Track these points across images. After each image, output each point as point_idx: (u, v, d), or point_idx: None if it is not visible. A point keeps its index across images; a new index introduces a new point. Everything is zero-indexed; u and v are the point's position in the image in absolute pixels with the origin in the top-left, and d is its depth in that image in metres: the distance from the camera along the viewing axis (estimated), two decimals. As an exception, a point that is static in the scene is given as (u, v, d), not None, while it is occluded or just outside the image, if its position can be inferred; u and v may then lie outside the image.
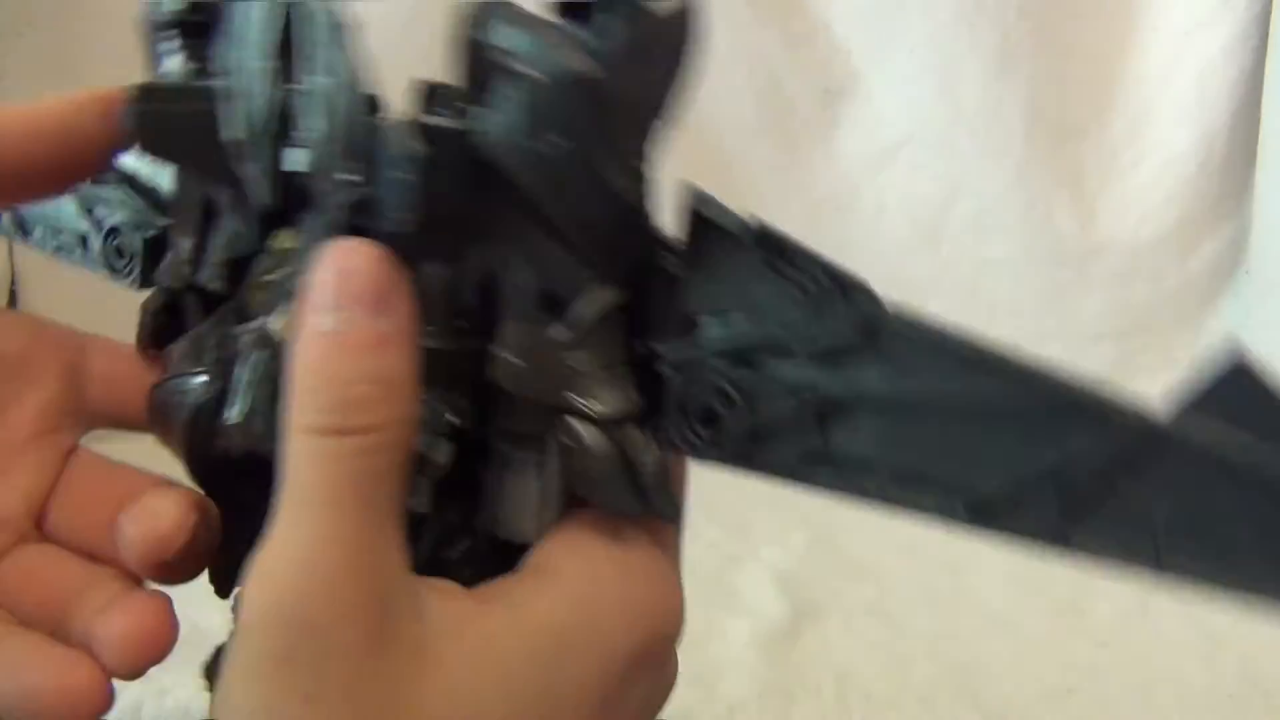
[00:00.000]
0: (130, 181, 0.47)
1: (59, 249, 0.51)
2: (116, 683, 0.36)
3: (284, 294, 0.34)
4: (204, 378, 0.36)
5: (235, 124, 0.35)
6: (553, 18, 0.31)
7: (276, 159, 0.35)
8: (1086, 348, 1.37)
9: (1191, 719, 0.79)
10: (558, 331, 0.31)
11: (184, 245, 0.41)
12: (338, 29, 0.32)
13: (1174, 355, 1.38)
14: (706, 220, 0.33)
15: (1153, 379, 1.38)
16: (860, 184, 1.34)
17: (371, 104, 0.34)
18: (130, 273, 0.47)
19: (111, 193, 0.47)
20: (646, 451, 0.32)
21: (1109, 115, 1.32)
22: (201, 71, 0.38)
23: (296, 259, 0.35)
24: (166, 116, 0.36)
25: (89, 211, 0.48)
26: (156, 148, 0.37)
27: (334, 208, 0.32)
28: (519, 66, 0.30)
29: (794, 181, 1.34)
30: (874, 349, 0.31)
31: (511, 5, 0.32)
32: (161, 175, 0.45)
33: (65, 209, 0.49)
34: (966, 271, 1.35)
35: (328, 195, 0.32)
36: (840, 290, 0.31)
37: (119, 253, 0.47)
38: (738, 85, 1.28)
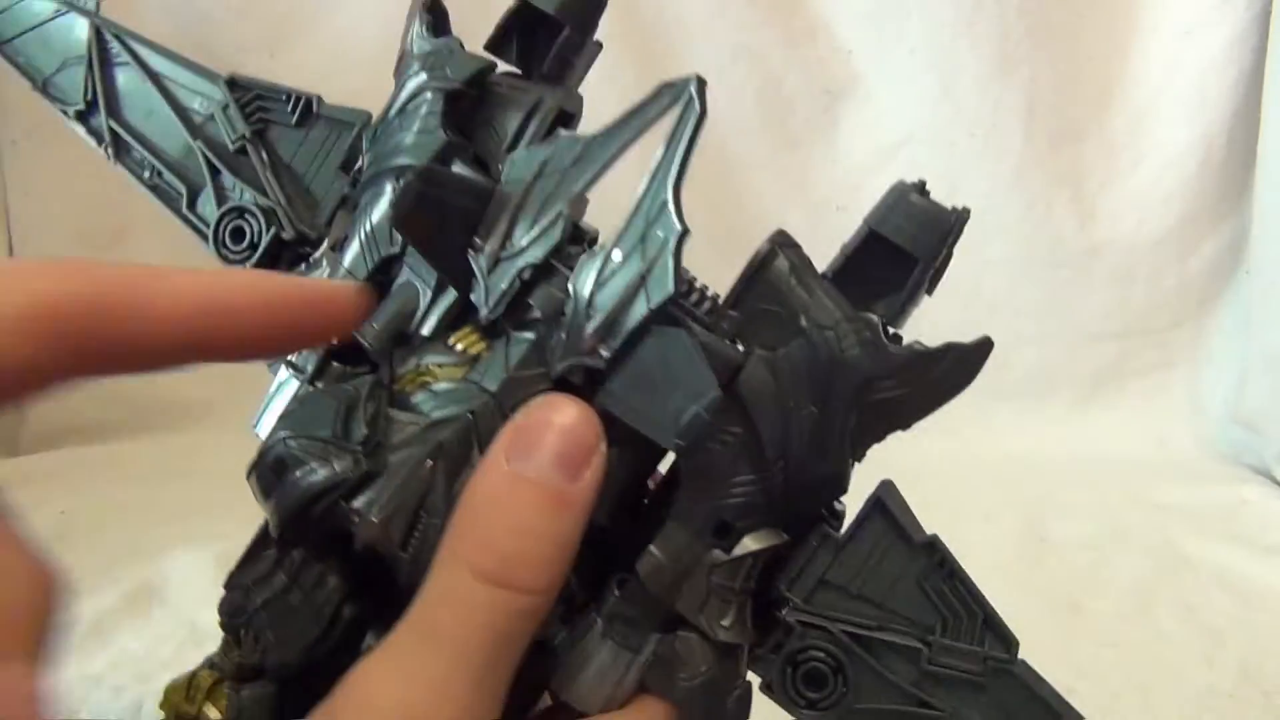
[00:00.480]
0: (271, 157, 0.44)
1: (155, 189, 0.48)
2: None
3: (454, 399, 0.34)
4: (349, 460, 0.34)
5: (498, 234, 0.34)
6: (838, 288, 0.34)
7: (525, 286, 0.34)
8: (1086, 348, 1.37)
9: (1191, 719, 0.79)
10: (715, 555, 0.34)
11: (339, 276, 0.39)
12: (677, 243, 0.32)
13: (1174, 355, 1.38)
14: (886, 511, 0.36)
15: (1153, 379, 1.38)
16: (860, 184, 1.34)
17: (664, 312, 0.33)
18: (240, 260, 0.43)
19: (245, 163, 0.44)
20: (737, 686, 0.35)
21: (1109, 115, 1.32)
22: (480, 165, 0.37)
23: (482, 371, 0.34)
24: (440, 204, 0.35)
25: (213, 168, 0.45)
26: (414, 230, 0.35)
27: (560, 360, 0.33)
28: (808, 327, 0.33)
29: (794, 181, 1.34)
30: (989, 691, 0.34)
31: (811, 267, 0.35)
32: (319, 176, 0.43)
33: (176, 138, 0.46)
34: (966, 271, 1.35)
35: (559, 349, 0.33)
36: (984, 625, 0.35)
37: (237, 235, 0.44)
38: (738, 85, 1.28)
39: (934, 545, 0.35)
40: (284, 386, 0.40)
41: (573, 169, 0.34)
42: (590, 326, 0.32)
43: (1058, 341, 1.37)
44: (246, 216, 0.44)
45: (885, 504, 0.35)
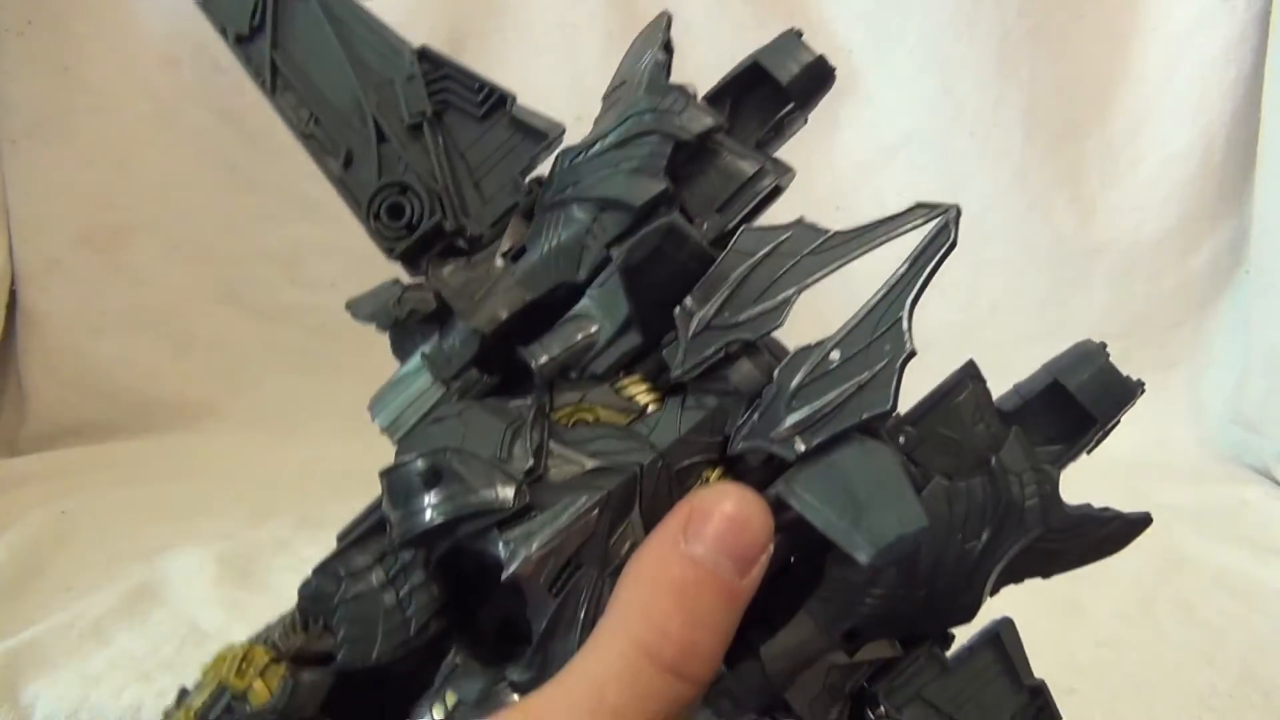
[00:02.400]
0: (446, 141, 0.42)
1: (308, 139, 0.44)
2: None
3: (616, 446, 0.34)
4: (512, 489, 0.33)
5: (715, 301, 0.34)
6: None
7: (726, 358, 0.34)
8: (1086, 348, 1.37)
9: (1191, 719, 0.79)
10: (838, 656, 0.35)
11: (503, 279, 0.38)
12: (903, 362, 0.32)
13: (1174, 355, 1.38)
14: (1000, 645, 0.37)
15: (1153, 379, 1.38)
16: (860, 184, 1.34)
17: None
18: (392, 238, 0.41)
19: (417, 139, 0.42)
20: None
21: (1109, 115, 1.32)
22: (684, 215, 0.37)
23: (649, 425, 0.34)
24: (672, 260, 0.35)
25: (381, 134, 0.43)
26: (640, 275, 0.35)
27: (746, 439, 0.33)
28: (997, 469, 0.34)
29: (794, 181, 1.33)
30: None
31: (992, 404, 0.36)
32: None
33: (345, 91, 0.43)
34: (966, 271, 1.35)
35: (746, 428, 0.33)
36: None
37: (395, 211, 0.42)
38: (738, 85, 1.28)
39: (1040, 690, 0.36)
40: (413, 378, 0.39)
41: (809, 259, 0.34)
42: (791, 418, 0.32)
43: (1058, 341, 1.36)
44: (409, 195, 0.42)
45: (1001, 639, 0.36)
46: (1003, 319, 1.35)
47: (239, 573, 0.90)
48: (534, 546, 0.32)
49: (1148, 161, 1.33)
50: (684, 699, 0.29)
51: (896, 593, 0.34)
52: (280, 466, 1.19)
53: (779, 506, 0.32)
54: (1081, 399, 0.37)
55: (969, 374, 0.36)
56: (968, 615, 0.36)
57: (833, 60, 0.43)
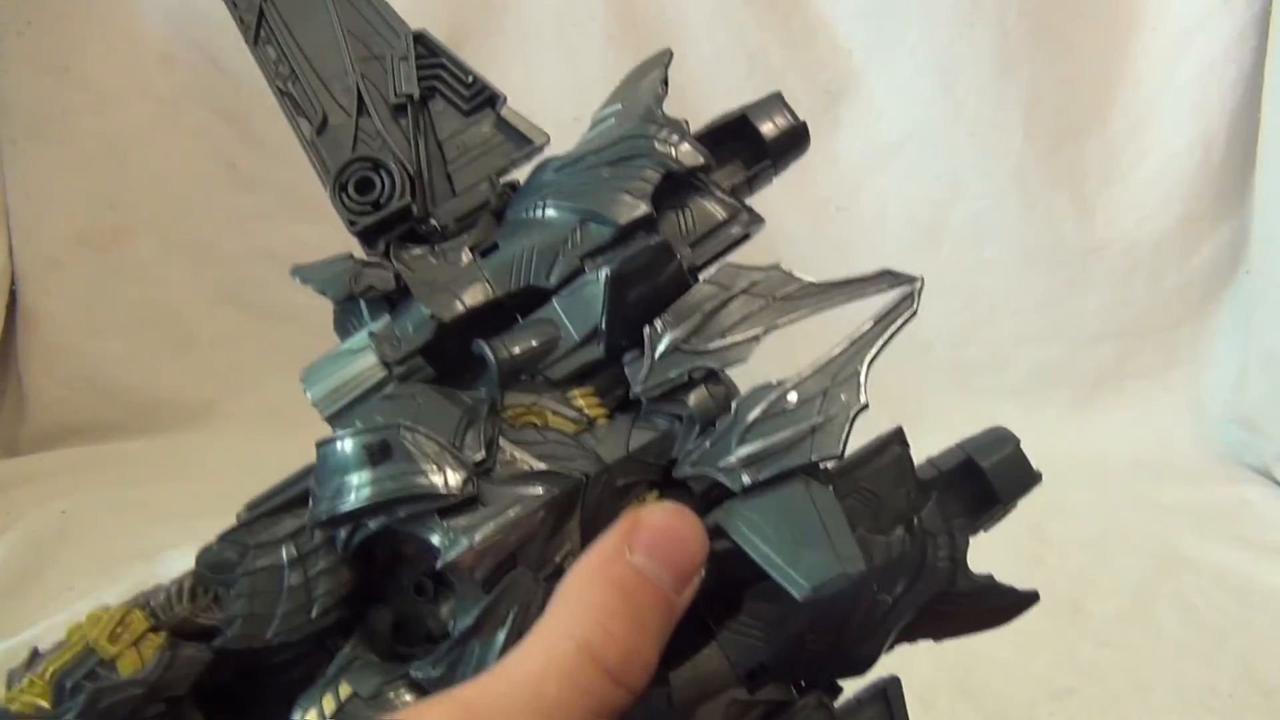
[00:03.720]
0: (427, 127, 0.42)
1: (284, 95, 0.44)
2: None
3: (563, 453, 0.34)
4: (462, 476, 0.33)
5: (686, 326, 0.35)
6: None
7: (689, 383, 0.34)
8: (1086, 348, 1.37)
9: (1191, 719, 0.79)
10: (739, 692, 0.36)
11: (469, 272, 0.37)
12: (855, 414, 0.33)
13: (1174, 355, 1.38)
14: (888, 702, 0.38)
15: (1153, 379, 1.38)
16: (860, 184, 1.34)
17: None
18: (357, 212, 0.41)
19: (399, 120, 0.42)
20: None
21: (1109, 115, 1.32)
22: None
23: (598, 437, 0.35)
24: (656, 277, 0.36)
25: (362, 105, 0.42)
26: (624, 288, 0.36)
27: (694, 465, 0.34)
28: (918, 528, 0.36)
29: (794, 181, 1.33)
30: None
31: (914, 470, 0.37)
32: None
33: (331, 56, 0.42)
34: (966, 271, 1.35)
35: (695, 453, 0.34)
36: None
37: (364, 186, 0.41)
38: (738, 85, 1.28)
39: None
40: (355, 356, 0.38)
41: (781, 303, 0.35)
42: (742, 450, 0.33)
43: (1058, 341, 1.37)
44: (381, 172, 0.41)
45: (888, 695, 0.37)
46: (1003, 319, 1.35)
47: (239, 573, 0.89)
48: (477, 538, 0.32)
49: (1148, 161, 1.33)
50: (619, 706, 0.29)
51: (807, 635, 0.35)
52: (280, 466, 1.19)
53: (714, 534, 0.32)
54: (993, 479, 0.38)
55: (897, 439, 0.37)
56: (864, 667, 0.37)
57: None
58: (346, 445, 0.34)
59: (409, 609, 0.36)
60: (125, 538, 0.98)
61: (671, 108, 0.42)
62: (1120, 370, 1.37)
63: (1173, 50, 1.29)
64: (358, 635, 0.36)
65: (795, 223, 1.32)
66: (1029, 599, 0.39)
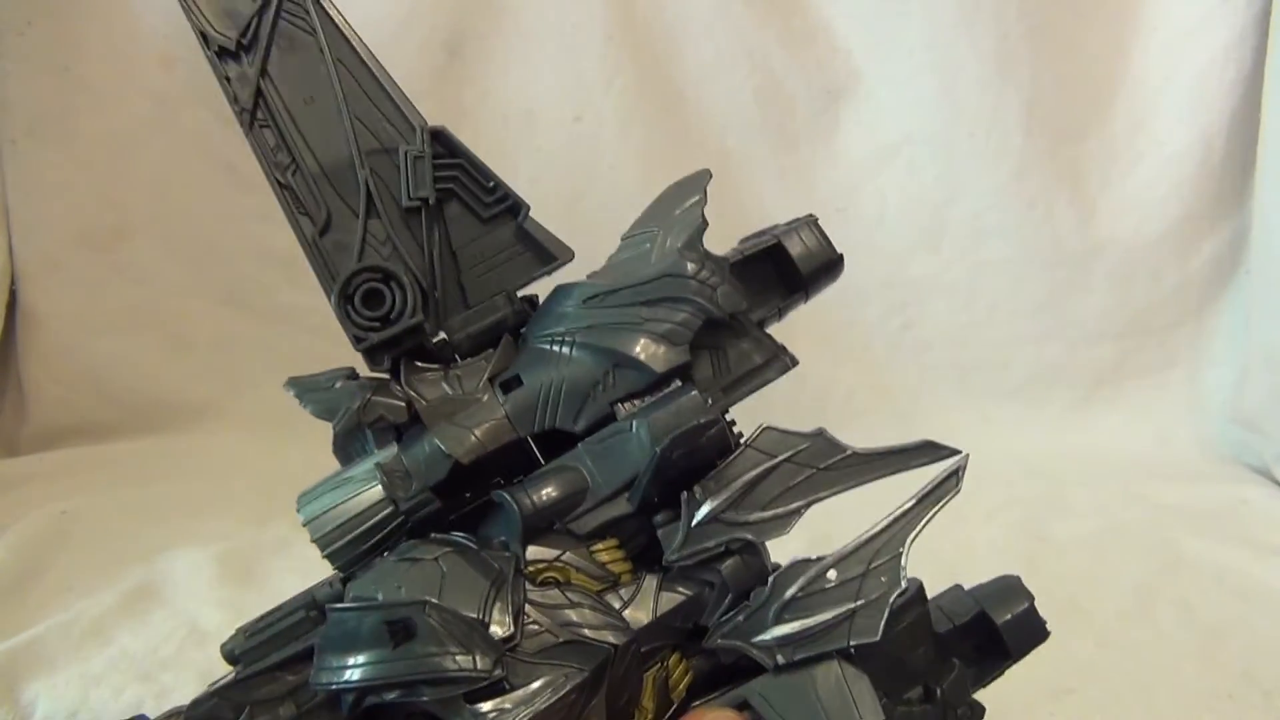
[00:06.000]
0: (441, 235, 0.39)
1: (283, 189, 0.40)
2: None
3: (587, 619, 0.33)
4: (491, 660, 0.31)
5: (727, 494, 0.35)
6: None
7: (725, 553, 0.34)
8: (1086, 348, 1.37)
9: (1191, 719, 0.79)
10: None
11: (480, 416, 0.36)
12: (896, 597, 0.34)
13: (1174, 355, 1.38)
14: None
15: (1153, 379, 1.38)
16: (860, 184, 1.34)
17: None
18: (364, 327, 0.38)
19: (411, 224, 0.39)
20: None
21: (1109, 115, 1.32)
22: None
23: (623, 598, 0.34)
24: (705, 448, 0.35)
25: (372, 207, 0.39)
26: (679, 451, 0.35)
27: (725, 637, 0.33)
28: (942, 701, 0.37)
29: (794, 181, 1.34)
30: None
31: (931, 625, 0.37)
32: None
33: (336, 147, 0.39)
34: (966, 272, 1.35)
35: (728, 626, 0.33)
36: None
37: (373, 299, 0.39)
38: (738, 85, 1.28)
39: None
40: (359, 485, 0.36)
41: (824, 474, 0.35)
42: (780, 629, 0.33)
43: (1058, 341, 1.37)
44: (392, 285, 0.38)
45: None
46: (1003, 319, 1.35)
47: (239, 573, 0.90)
48: None
49: (1148, 161, 1.33)
50: None
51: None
52: (280, 466, 1.19)
53: (743, 707, 0.33)
54: (1009, 640, 0.39)
55: (918, 600, 0.37)
56: None
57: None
58: (365, 619, 0.32)
59: None
60: (125, 538, 0.98)
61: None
62: (1120, 370, 1.37)
63: (1173, 50, 1.29)
64: None
65: (795, 223, 1.31)
66: None
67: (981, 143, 1.32)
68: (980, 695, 0.86)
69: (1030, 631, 0.39)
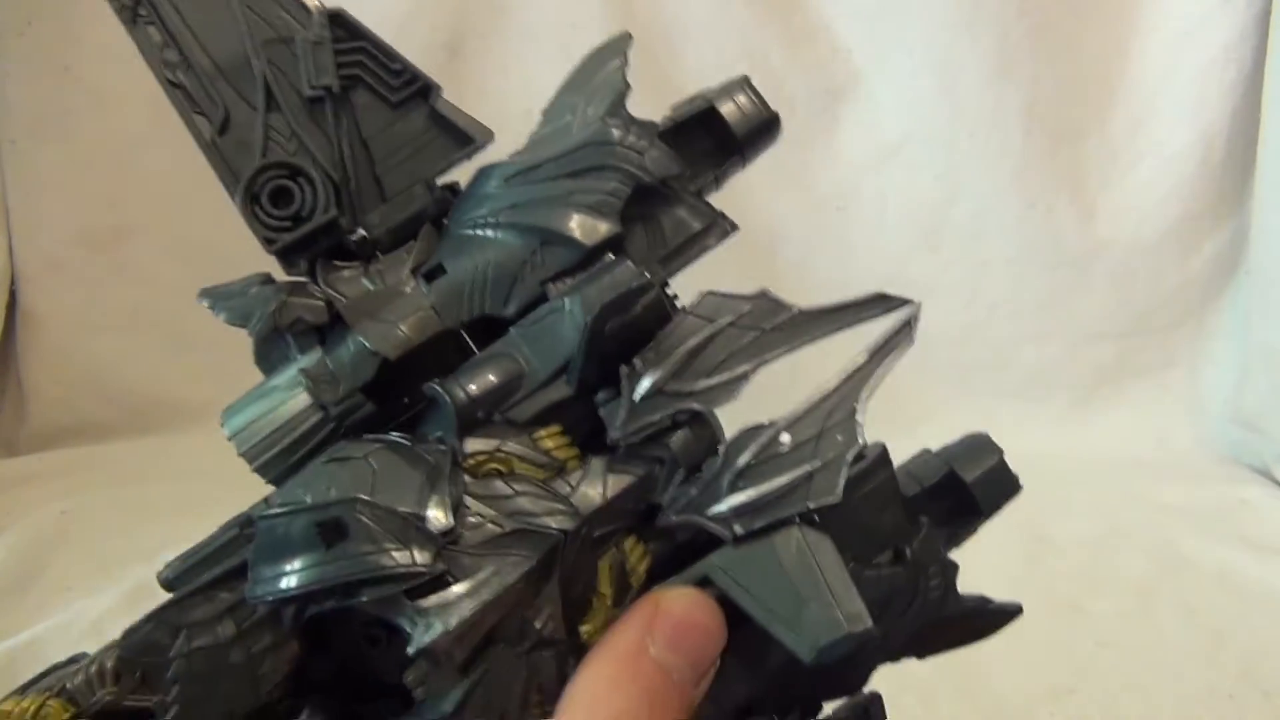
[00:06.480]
0: (350, 124, 0.36)
1: (175, 88, 0.38)
2: None
3: (533, 506, 0.31)
4: (431, 553, 0.30)
5: (668, 365, 0.32)
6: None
7: (666, 428, 0.32)
8: (1086, 348, 1.37)
9: (1191, 719, 0.79)
10: None
11: (412, 302, 0.33)
12: (855, 456, 0.32)
13: (1174, 355, 1.38)
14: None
15: (1153, 379, 1.38)
16: (860, 184, 1.34)
17: None
18: (274, 228, 0.36)
19: (316, 116, 0.36)
20: None
21: (1109, 115, 1.32)
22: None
23: (570, 484, 0.32)
24: (637, 315, 0.33)
25: (272, 100, 0.36)
26: (604, 323, 0.32)
27: (680, 513, 0.32)
28: (912, 561, 0.35)
29: (794, 181, 1.33)
30: None
31: (899, 490, 0.36)
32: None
33: (229, 40, 0.36)
34: (966, 271, 1.35)
35: (681, 501, 0.32)
36: None
37: (281, 197, 0.36)
38: (738, 85, 1.28)
39: None
40: (284, 394, 0.34)
41: (770, 335, 0.33)
42: (735, 499, 0.31)
43: (1058, 341, 1.37)
44: (300, 180, 0.36)
45: (870, 713, 0.37)
46: (1003, 319, 1.35)
47: (239, 573, 0.89)
48: (454, 622, 0.29)
49: (1148, 161, 1.33)
50: None
51: (798, 674, 0.34)
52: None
53: (702, 584, 0.31)
54: (977, 494, 0.37)
55: (882, 462, 0.36)
56: (851, 691, 0.36)
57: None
58: (295, 523, 0.30)
59: (355, 654, 0.33)
60: (125, 538, 0.98)
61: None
62: (1120, 370, 1.37)
63: (1173, 50, 1.29)
64: (311, 708, 0.33)
65: (795, 223, 1.32)
66: (1014, 612, 0.38)
67: (981, 143, 1.32)
68: (979, 694, 0.86)
69: (1001, 486, 0.37)
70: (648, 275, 0.33)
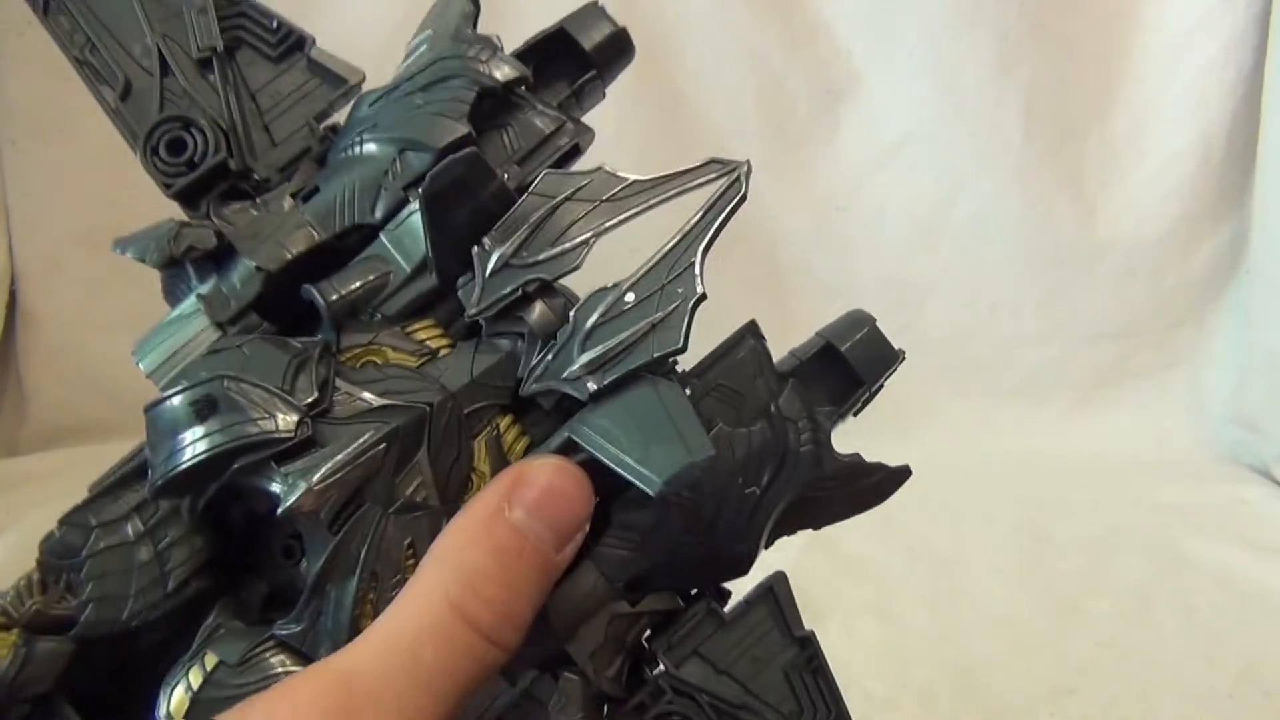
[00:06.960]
0: (237, 79, 0.40)
1: (84, 66, 0.41)
2: None
3: (405, 387, 0.33)
4: (295, 418, 0.32)
5: (514, 240, 0.34)
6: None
7: (523, 297, 0.34)
8: (1086, 348, 1.37)
9: (1191, 719, 0.79)
10: (620, 606, 0.35)
11: (296, 223, 0.36)
12: (695, 304, 0.33)
13: (1174, 355, 1.38)
14: (774, 599, 0.37)
15: (1153, 379, 1.38)
16: (860, 184, 1.34)
17: None
18: (171, 174, 0.40)
19: (206, 75, 0.40)
20: None
21: (1109, 115, 1.32)
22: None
23: (441, 368, 0.34)
24: (474, 195, 0.34)
25: (165, 65, 0.40)
26: (440, 208, 0.34)
27: (539, 380, 0.33)
28: (775, 415, 0.36)
29: (794, 181, 1.33)
30: None
31: (772, 362, 0.36)
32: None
33: (127, 19, 0.41)
34: (966, 271, 1.35)
35: (540, 369, 0.33)
36: None
37: (176, 146, 0.40)
38: (738, 85, 1.28)
39: (809, 641, 0.37)
40: (187, 321, 0.38)
41: (607, 205, 0.34)
42: (584, 357, 0.32)
43: (1058, 341, 1.37)
44: (192, 130, 0.40)
45: (775, 592, 0.37)
46: (1003, 319, 1.35)
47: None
48: (315, 478, 0.31)
49: (1148, 161, 1.33)
50: (495, 664, 0.29)
51: (680, 538, 0.35)
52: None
53: (569, 449, 0.32)
54: (852, 361, 0.38)
55: (750, 331, 0.37)
56: (745, 566, 0.36)
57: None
58: (174, 404, 0.33)
59: (281, 576, 0.35)
60: (125, 538, 0.98)
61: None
62: (1120, 370, 1.37)
63: (1173, 50, 1.29)
64: (222, 605, 0.35)
65: (795, 222, 1.32)
66: (902, 474, 0.38)
67: (981, 143, 1.32)
68: (979, 694, 0.86)
69: (878, 354, 0.38)
70: (477, 151, 0.35)
